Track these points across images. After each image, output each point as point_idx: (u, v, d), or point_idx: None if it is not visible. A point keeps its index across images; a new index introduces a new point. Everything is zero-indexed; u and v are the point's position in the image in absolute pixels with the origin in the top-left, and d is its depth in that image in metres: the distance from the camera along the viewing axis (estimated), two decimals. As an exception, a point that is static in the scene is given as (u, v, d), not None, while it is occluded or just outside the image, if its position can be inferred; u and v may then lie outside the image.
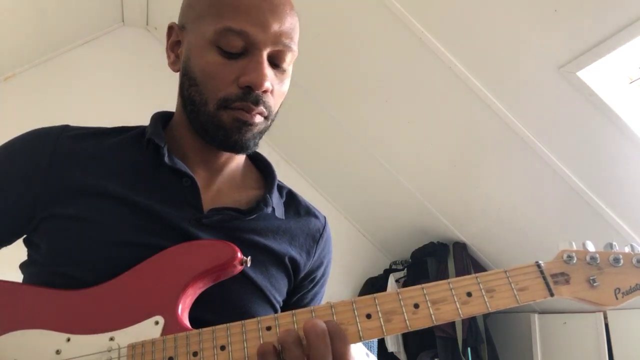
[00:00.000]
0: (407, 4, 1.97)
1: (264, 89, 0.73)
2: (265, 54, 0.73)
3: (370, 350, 2.85)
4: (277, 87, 0.77)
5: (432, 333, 2.88)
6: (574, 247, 0.69)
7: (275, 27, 0.73)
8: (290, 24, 0.76)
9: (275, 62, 0.76)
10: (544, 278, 0.67)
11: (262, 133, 0.79)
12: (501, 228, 2.73)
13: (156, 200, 0.76)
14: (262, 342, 0.63)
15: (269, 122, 0.79)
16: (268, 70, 0.73)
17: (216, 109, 0.74)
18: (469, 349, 2.78)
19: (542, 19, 1.71)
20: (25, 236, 0.80)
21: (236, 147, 0.77)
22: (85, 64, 2.99)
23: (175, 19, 0.83)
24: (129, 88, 3.01)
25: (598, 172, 2.10)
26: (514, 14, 1.77)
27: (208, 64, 0.74)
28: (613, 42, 1.62)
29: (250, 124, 0.75)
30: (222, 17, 0.72)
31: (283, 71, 0.78)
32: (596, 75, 1.80)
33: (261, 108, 0.74)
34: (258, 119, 0.75)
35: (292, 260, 0.84)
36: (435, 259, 3.05)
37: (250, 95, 0.73)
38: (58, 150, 0.78)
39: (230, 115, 0.74)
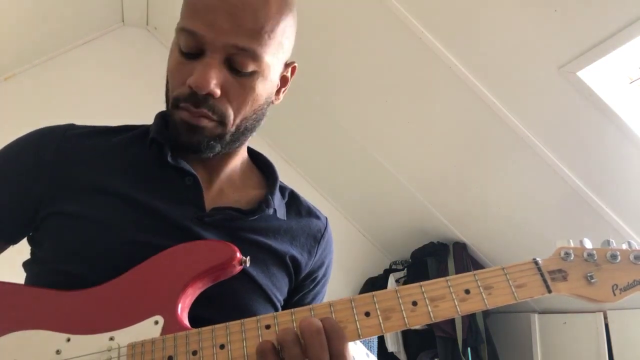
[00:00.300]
0: (407, 3, 1.97)
1: (206, 92, 0.70)
2: (217, 56, 0.71)
3: (370, 350, 2.85)
4: (236, 93, 0.73)
5: (432, 333, 2.88)
6: (572, 244, 0.69)
7: (227, 29, 0.69)
8: (256, 25, 0.71)
9: (234, 66, 0.72)
10: (542, 275, 0.67)
11: (220, 139, 0.76)
12: (501, 228, 2.73)
13: (159, 199, 0.76)
14: (261, 340, 0.63)
15: (227, 129, 0.76)
16: (216, 73, 0.70)
17: (171, 107, 0.76)
18: (469, 349, 2.78)
19: (542, 19, 1.71)
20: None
21: (186, 148, 0.76)
22: (85, 64, 2.99)
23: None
24: (129, 88, 3.01)
25: (598, 172, 2.10)
26: (514, 14, 1.77)
27: (170, 64, 0.76)
28: (613, 42, 1.62)
29: (196, 126, 0.73)
30: (182, 18, 0.73)
31: (246, 76, 0.74)
32: (596, 75, 1.79)
33: (204, 111, 0.72)
34: (205, 122, 0.73)
35: (293, 260, 0.84)
36: (435, 259, 3.05)
37: (195, 96, 0.72)
38: (62, 148, 0.78)
39: (178, 115, 0.74)
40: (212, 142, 0.75)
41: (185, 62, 0.73)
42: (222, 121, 0.74)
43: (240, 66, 0.72)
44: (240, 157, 0.88)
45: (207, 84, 0.70)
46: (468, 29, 1.94)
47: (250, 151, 0.93)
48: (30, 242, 0.80)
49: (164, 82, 0.79)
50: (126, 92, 2.99)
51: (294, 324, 0.64)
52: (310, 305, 0.66)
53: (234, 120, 0.75)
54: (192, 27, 0.71)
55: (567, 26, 1.69)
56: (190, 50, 0.72)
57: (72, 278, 0.71)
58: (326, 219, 0.94)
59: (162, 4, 2.97)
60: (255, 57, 0.72)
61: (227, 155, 0.84)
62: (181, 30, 0.72)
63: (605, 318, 2.44)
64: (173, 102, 0.74)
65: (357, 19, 2.18)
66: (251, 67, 0.73)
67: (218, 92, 0.72)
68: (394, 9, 1.98)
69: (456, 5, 1.87)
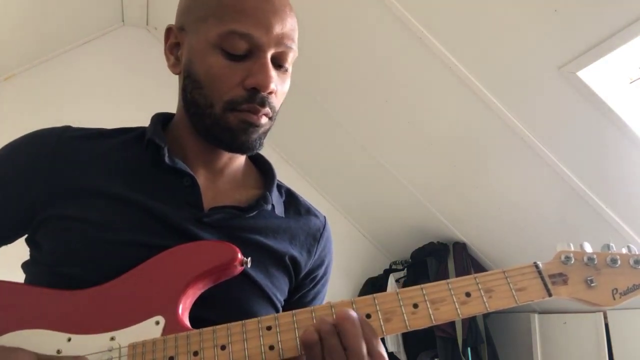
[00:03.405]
0: (407, 3, 1.97)
1: (269, 91, 0.74)
2: (269, 55, 0.74)
3: (371, 350, 2.85)
4: (279, 88, 0.77)
5: (432, 333, 2.88)
6: (572, 248, 0.69)
7: (277, 29, 0.74)
8: (291, 25, 0.77)
9: (278, 62, 0.77)
10: (542, 278, 0.67)
11: (266, 133, 0.80)
12: (501, 228, 2.73)
13: (157, 200, 0.76)
14: (263, 341, 0.63)
15: (272, 122, 0.80)
16: (272, 72, 0.74)
17: (222, 111, 0.75)
18: (469, 349, 2.78)
19: (542, 19, 1.72)
20: (27, 236, 0.80)
21: (243, 148, 0.78)
22: (85, 64, 2.99)
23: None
24: (129, 88, 3.01)
25: (598, 172, 2.10)
26: (514, 14, 1.77)
27: (212, 67, 0.74)
28: (613, 42, 1.62)
29: (256, 125, 0.76)
30: (226, 20, 0.73)
31: (285, 71, 0.79)
32: (596, 75, 1.80)
33: (267, 109, 0.75)
34: (264, 120, 0.76)
35: (293, 260, 0.84)
36: (435, 259, 3.05)
37: (256, 97, 0.74)
38: (59, 151, 0.78)
39: (237, 117, 0.75)
40: (263, 138, 0.79)
41: (232, 64, 0.74)
42: (272, 117, 0.78)
43: (282, 62, 0.77)
44: (244, 155, 0.88)
45: (270, 83, 0.73)
46: (468, 29, 1.94)
47: None
48: (28, 244, 0.80)
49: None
50: (126, 92, 2.99)
51: (295, 325, 0.64)
52: (311, 307, 0.66)
53: (276, 113, 0.80)
54: (245, 29, 0.72)
55: (567, 26, 1.69)
56: (240, 52, 0.74)
57: (71, 280, 0.71)
58: (325, 217, 0.94)
59: (162, 4, 2.97)
60: (294, 53, 0.78)
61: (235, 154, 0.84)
62: (232, 33, 0.72)
63: (605, 318, 2.44)
64: (227, 105, 0.74)
65: (357, 19, 2.18)
66: (289, 62, 0.78)
67: (276, 89, 0.76)
68: (394, 9, 1.98)
69: (456, 5, 1.87)
